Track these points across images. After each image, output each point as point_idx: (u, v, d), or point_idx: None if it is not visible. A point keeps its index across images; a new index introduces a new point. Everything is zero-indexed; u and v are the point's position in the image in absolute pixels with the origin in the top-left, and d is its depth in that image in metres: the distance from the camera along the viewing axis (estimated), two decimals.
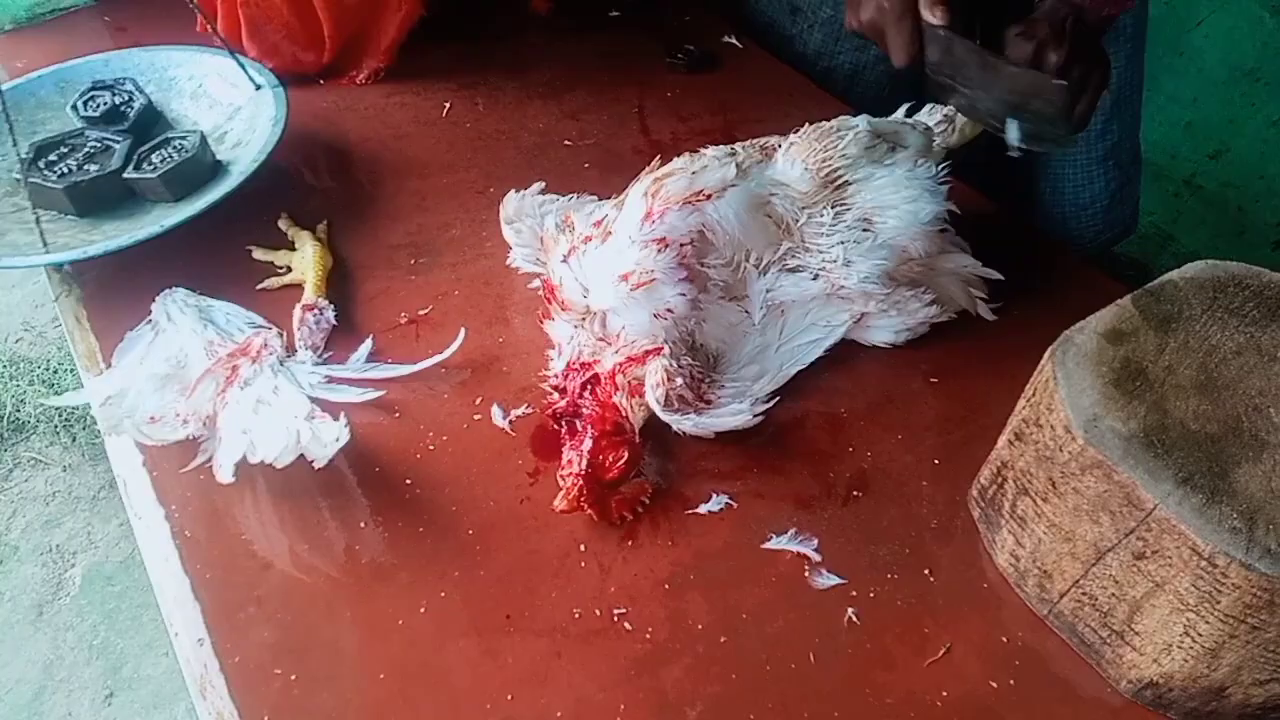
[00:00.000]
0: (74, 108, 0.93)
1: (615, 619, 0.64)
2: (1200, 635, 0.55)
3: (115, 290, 0.84)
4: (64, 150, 0.90)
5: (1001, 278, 0.84)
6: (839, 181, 0.79)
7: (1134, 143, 1.18)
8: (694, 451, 0.74)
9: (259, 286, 0.85)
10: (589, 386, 0.72)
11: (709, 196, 0.75)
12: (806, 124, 0.82)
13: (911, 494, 0.72)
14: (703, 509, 0.70)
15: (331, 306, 0.82)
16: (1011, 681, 0.62)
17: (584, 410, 0.71)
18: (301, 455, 0.66)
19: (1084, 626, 0.62)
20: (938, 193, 0.80)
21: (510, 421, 0.75)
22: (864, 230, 0.78)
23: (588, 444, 0.68)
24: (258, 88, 0.97)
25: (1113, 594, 0.59)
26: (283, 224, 0.91)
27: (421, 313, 0.85)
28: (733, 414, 0.73)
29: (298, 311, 0.81)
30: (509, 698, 0.60)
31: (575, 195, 0.90)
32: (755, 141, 0.83)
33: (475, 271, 0.89)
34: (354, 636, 0.63)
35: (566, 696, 0.60)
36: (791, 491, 0.72)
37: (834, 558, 0.68)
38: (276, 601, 0.64)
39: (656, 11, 1.28)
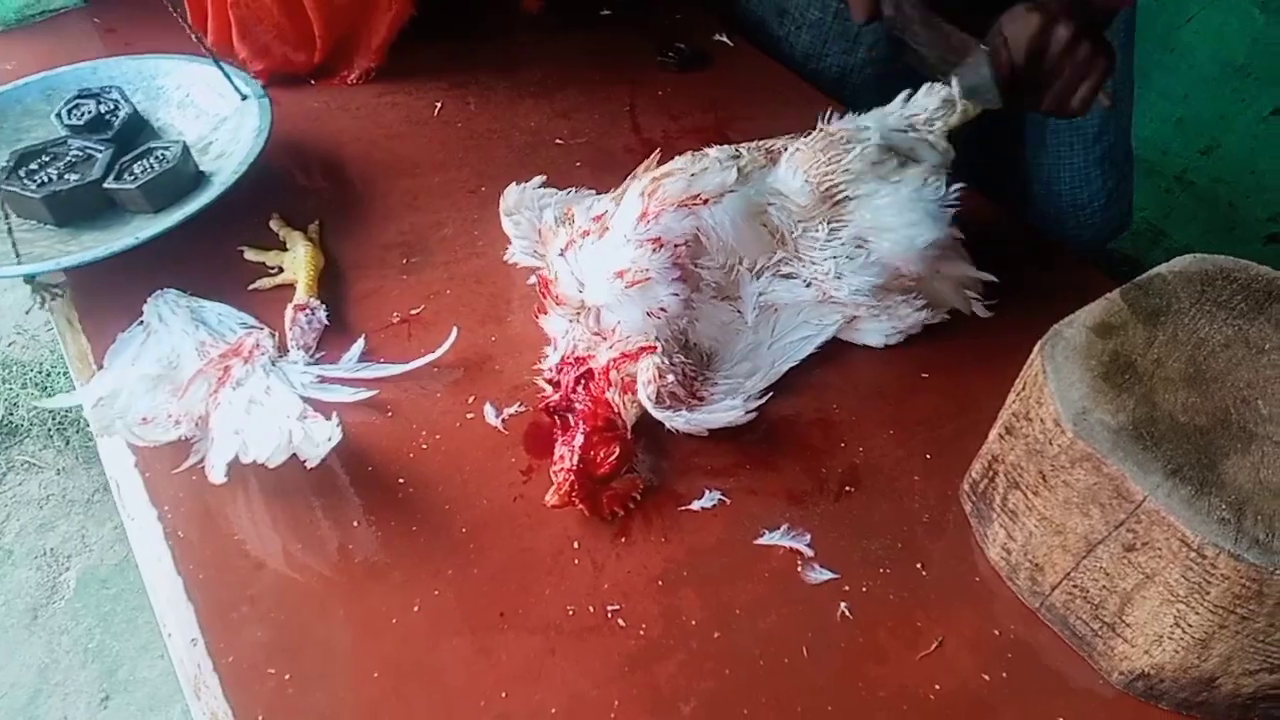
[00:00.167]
0: (59, 115, 0.92)
1: (609, 616, 0.64)
2: (1190, 626, 0.55)
3: (107, 292, 0.84)
4: (45, 159, 0.89)
5: (995, 280, 0.84)
6: (838, 197, 0.77)
7: (1127, 141, 1.18)
8: (687, 448, 0.74)
9: (251, 287, 0.85)
10: (582, 381, 0.72)
11: (706, 201, 0.75)
12: (818, 127, 0.81)
13: (903, 489, 0.72)
14: (696, 505, 0.70)
15: (323, 306, 0.82)
16: (1004, 674, 0.62)
17: (577, 405, 0.71)
18: (294, 455, 0.66)
19: (1075, 619, 0.62)
20: (941, 217, 0.77)
21: (503, 420, 0.76)
22: (857, 248, 0.77)
23: (579, 439, 0.68)
24: (243, 98, 0.96)
25: (1104, 586, 0.59)
26: (274, 224, 0.91)
27: (414, 312, 0.85)
28: (725, 410, 0.73)
29: (290, 311, 0.81)
30: (503, 695, 0.60)
31: (575, 189, 0.89)
32: (760, 143, 0.82)
33: (468, 270, 0.89)
34: (347, 635, 0.63)
35: (560, 693, 0.60)
36: (784, 487, 0.72)
37: (826, 553, 0.68)
38: (270, 601, 0.64)
39: (647, 10, 1.28)
